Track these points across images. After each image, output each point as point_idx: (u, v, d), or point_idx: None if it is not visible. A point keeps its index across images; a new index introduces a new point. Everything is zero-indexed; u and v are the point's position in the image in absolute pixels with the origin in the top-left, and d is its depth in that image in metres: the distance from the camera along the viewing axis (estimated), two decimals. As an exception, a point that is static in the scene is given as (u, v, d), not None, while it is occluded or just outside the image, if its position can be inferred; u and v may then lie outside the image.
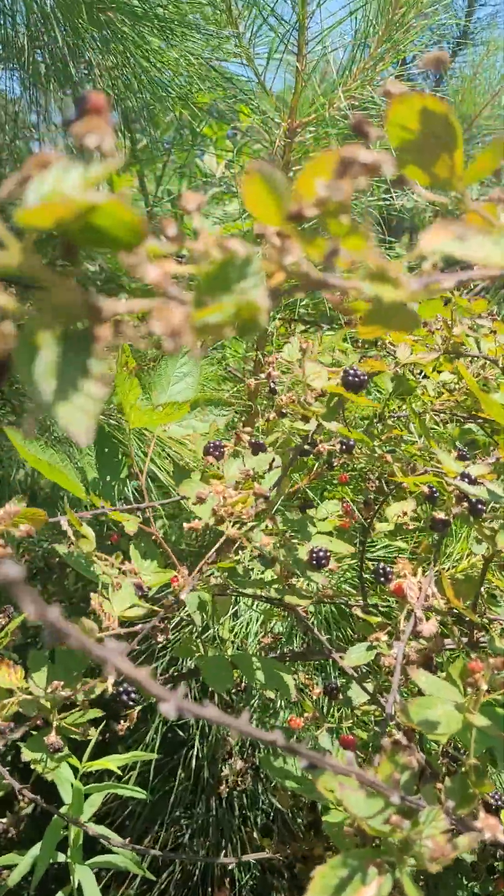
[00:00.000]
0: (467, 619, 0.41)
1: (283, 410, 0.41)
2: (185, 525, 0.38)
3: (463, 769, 0.35)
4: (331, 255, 0.15)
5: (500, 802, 0.41)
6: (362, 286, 0.16)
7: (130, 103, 0.74)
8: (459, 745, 0.46)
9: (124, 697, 0.39)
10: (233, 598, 0.46)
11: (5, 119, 0.89)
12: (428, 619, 0.38)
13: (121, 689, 0.39)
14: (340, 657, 0.39)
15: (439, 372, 0.41)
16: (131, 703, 0.39)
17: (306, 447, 0.42)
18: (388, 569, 0.40)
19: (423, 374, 0.42)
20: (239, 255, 0.14)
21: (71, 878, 0.59)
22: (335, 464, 0.43)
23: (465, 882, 0.51)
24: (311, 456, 0.42)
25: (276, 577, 0.38)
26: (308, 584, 0.41)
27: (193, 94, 0.72)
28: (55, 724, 0.48)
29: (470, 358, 0.42)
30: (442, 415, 0.45)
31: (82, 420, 0.12)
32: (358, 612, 0.40)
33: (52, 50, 0.63)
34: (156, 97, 0.70)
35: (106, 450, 0.44)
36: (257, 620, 0.52)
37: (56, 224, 0.12)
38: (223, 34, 0.68)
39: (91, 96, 0.12)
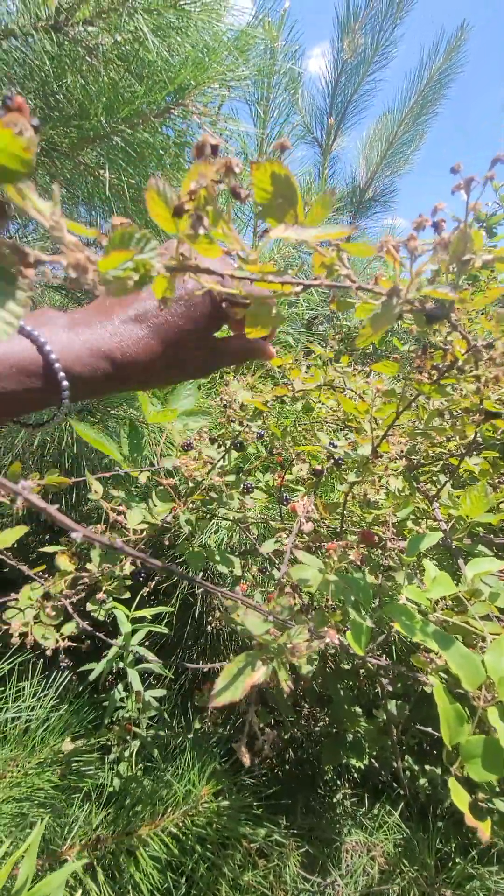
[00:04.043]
0: (339, 522, 0.74)
1: (232, 418, 0.72)
2: (164, 482, 0.71)
3: (323, 606, 0.69)
4: (196, 224, 0.22)
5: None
6: (235, 273, 0.25)
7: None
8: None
9: (140, 576, 0.75)
10: (211, 520, 0.80)
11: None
12: (308, 521, 0.70)
13: (137, 569, 0.74)
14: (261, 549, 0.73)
15: (328, 398, 0.70)
16: (142, 577, 0.73)
17: (238, 439, 0.73)
18: (288, 496, 0.73)
19: (321, 403, 0.71)
20: (138, 232, 0.20)
21: (127, 677, 1.02)
22: (274, 451, 0.75)
23: (345, 681, 0.90)
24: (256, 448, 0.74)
25: (227, 506, 0.72)
26: (245, 509, 0.74)
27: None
28: (104, 587, 0.86)
29: (343, 390, 0.72)
30: (328, 425, 0.75)
31: (5, 328, 0.17)
32: (273, 524, 0.74)
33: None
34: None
35: (134, 439, 0.77)
36: (226, 535, 0.88)
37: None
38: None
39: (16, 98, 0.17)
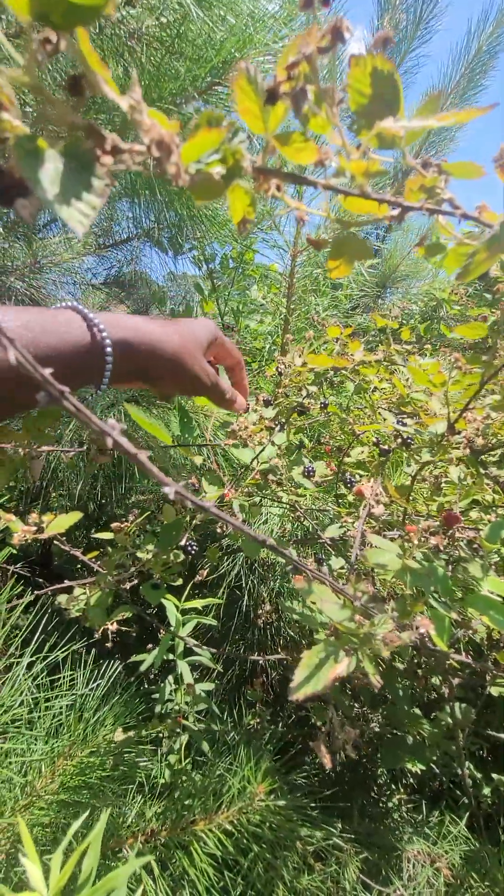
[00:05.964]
0: (403, 507, 0.69)
1: (286, 392, 0.69)
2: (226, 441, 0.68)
3: (402, 595, 0.64)
4: (299, 100, 0.18)
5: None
6: (328, 181, 0.21)
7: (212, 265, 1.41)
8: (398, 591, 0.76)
9: (188, 548, 0.72)
10: (261, 509, 0.77)
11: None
12: (378, 503, 0.65)
13: (186, 544, 0.71)
14: (322, 535, 0.69)
15: (381, 381, 0.65)
16: (192, 552, 0.70)
17: (300, 408, 0.69)
18: (353, 479, 0.69)
19: (374, 388, 0.67)
20: (226, 119, 0.17)
21: (176, 668, 1.01)
22: (322, 441, 0.71)
23: (400, 680, 0.84)
24: (303, 423, 0.70)
25: (284, 489, 0.68)
26: (304, 494, 0.70)
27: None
28: (157, 573, 0.84)
29: (398, 370, 0.66)
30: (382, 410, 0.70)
31: (82, 220, 0.14)
32: (333, 510, 0.70)
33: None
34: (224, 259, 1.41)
35: (185, 419, 0.75)
36: (277, 524, 0.84)
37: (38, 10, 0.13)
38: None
39: None
